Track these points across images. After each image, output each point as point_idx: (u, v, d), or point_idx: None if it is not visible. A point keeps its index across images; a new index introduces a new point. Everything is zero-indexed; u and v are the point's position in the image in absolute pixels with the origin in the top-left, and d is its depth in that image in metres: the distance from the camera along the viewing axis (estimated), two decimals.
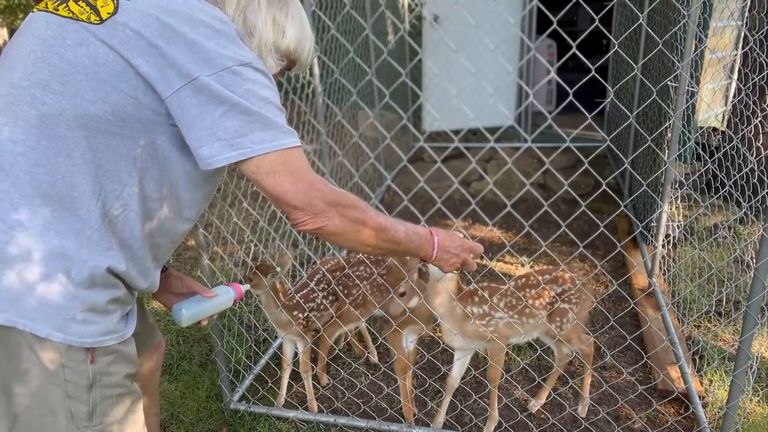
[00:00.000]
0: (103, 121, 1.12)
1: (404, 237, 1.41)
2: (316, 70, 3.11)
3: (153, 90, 1.12)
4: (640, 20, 1.80)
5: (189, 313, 1.52)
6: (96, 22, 1.12)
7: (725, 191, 2.99)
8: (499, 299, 2.17)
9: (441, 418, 2.41)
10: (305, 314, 2.41)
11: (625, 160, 1.85)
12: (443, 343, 2.19)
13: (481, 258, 3.72)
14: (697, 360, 2.77)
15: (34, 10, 1.20)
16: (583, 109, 1.77)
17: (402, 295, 2.03)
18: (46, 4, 1.19)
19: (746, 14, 3.92)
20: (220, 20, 1.16)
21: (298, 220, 1.23)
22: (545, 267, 2.43)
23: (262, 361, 2.86)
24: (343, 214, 1.25)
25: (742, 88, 3.62)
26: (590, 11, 1.81)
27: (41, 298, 1.12)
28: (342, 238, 1.29)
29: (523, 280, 2.24)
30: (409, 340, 2.38)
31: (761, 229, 1.83)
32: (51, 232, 1.12)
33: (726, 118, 4.42)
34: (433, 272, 1.95)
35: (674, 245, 3.29)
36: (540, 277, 2.25)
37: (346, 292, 2.49)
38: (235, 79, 1.13)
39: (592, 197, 3.03)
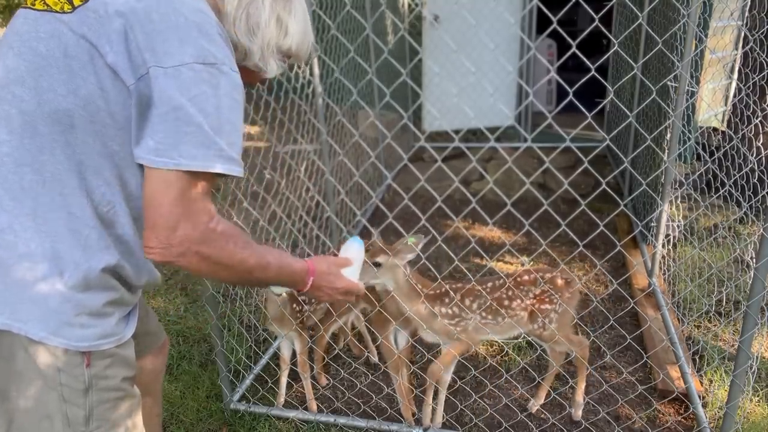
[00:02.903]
0: (76, 116, 1.09)
1: (274, 275, 1.31)
2: (317, 70, 3.11)
3: (122, 82, 1.08)
4: (640, 20, 1.80)
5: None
6: (68, 10, 1.09)
7: (725, 191, 2.99)
8: (472, 301, 2.19)
9: (439, 417, 2.41)
10: (301, 307, 2.41)
11: (625, 159, 1.85)
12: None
13: (481, 258, 3.72)
14: (697, 360, 2.77)
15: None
16: (583, 109, 1.77)
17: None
18: (25, 1, 1.17)
19: (746, 14, 3.92)
20: (197, 11, 1.10)
21: (147, 244, 1.10)
22: (525, 267, 2.44)
23: (262, 361, 2.86)
24: (205, 257, 1.13)
25: (743, 87, 3.62)
26: (590, 11, 1.80)
27: (35, 302, 1.11)
28: (196, 274, 1.19)
29: (500, 281, 2.26)
30: (402, 340, 2.40)
31: (761, 229, 1.83)
32: (42, 234, 1.10)
33: (726, 117, 4.42)
34: (387, 285, 2.07)
35: (674, 245, 3.28)
36: (519, 279, 2.27)
37: None
38: (191, 77, 1.06)
39: (592, 197, 3.03)
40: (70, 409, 1.16)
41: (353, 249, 1.65)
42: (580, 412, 2.46)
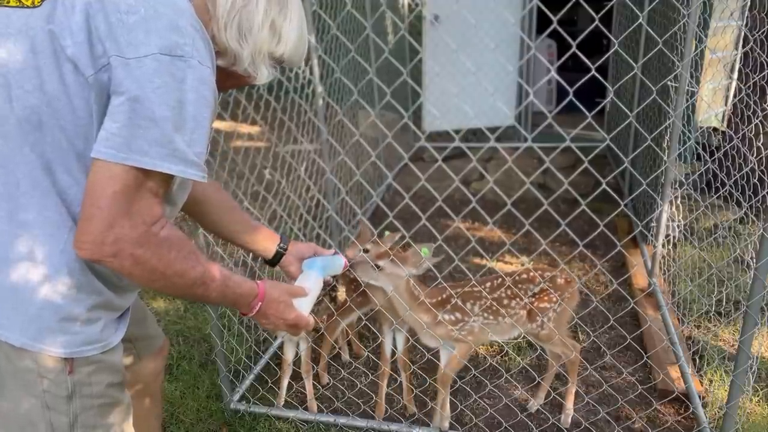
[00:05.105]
0: (43, 113, 1.06)
1: (217, 294, 1.23)
2: (317, 70, 3.10)
3: (81, 75, 1.04)
4: (640, 20, 1.79)
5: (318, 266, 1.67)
6: (37, 4, 1.07)
7: (725, 191, 2.98)
8: (473, 303, 2.19)
9: (439, 416, 2.41)
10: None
11: (625, 159, 1.85)
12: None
13: (481, 258, 3.72)
14: (697, 360, 2.77)
15: None
16: (583, 109, 1.77)
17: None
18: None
19: (746, 14, 3.92)
20: (170, 4, 1.05)
21: (79, 238, 1.03)
22: (525, 267, 2.44)
23: (262, 361, 2.86)
24: (140, 261, 1.06)
25: (743, 87, 3.61)
26: (590, 11, 1.80)
27: (14, 307, 1.09)
28: (129, 279, 1.11)
29: (499, 280, 2.25)
30: (400, 341, 2.40)
31: (761, 229, 1.83)
32: (20, 238, 1.08)
33: (726, 117, 4.42)
34: (385, 288, 2.05)
35: (674, 245, 3.28)
36: (517, 277, 2.27)
37: (348, 278, 2.50)
38: (154, 68, 1.00)
39: (592, 197, 3.03)
40: (54, 416, 1.15)
41: (311, 278, 1.61)
42: (569, 420, 2.44)
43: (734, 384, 2.00)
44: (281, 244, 1.71)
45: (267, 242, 1.71)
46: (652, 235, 3.46)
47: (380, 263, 1.99)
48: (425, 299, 2.13)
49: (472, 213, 4.08)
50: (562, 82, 1.79)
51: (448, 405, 2.38)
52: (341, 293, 2.68)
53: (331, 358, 2.84)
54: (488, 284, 2.24)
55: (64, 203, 1.10)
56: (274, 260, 1.73)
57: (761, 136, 3.76)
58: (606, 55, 2.47)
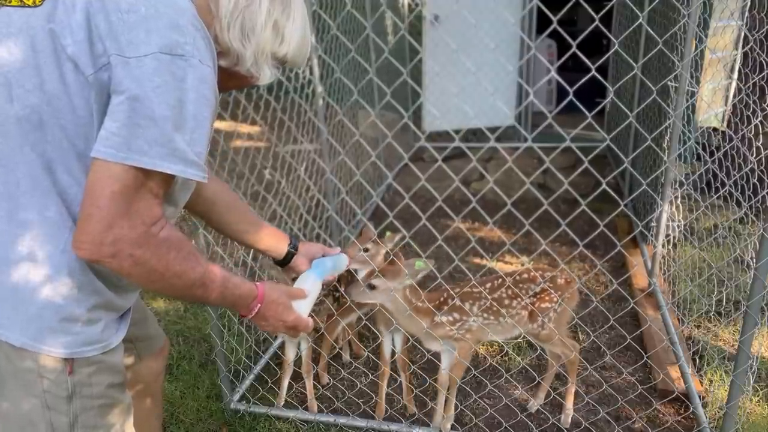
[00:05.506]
0: (43, 113, 1.05)
1: (216, 295, 1.22)
2: (317, 70, 3.10)
3: (81, 74, 1.04)
4: (640, 20, 1.80)
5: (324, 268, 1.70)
6: (39, 3, 1.07)
7: (725, 191, 2.98)
8: (472, 303, 2.19)
9: (439, 416, 2.41)
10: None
11: (625, 159, 1.85)
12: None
13: (481, 258, 3.72)
14: (697, 360, 2.77)
15: None
16: (583, 109, 1.77)
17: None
18: None
19: (746, 14, 3.92)
20: (171, 3, 1.05)
21: (78, 237, 1.03)
22: (525, 267, 2.44)
23: (262, 361, 2.86)
24: (139, 262, 1.05)
25: (743, 87, 3.61)
26: (590, 11, 1.80)
27: (15, 307, 1.09)
28: (128, 279, 1.10)
29: (500, 280, 2.26)
30: (399, 341, 2.40)
31: (761, 229, 1.83)
32: (20, 238, 1.08)
33: (726, 117, 4.42)
34: (384, 302, 2.05)
35: (674, 245, 3.29)
36: (518, 277, 2.27)
37: (348, 279, 2.50)
38: (154, 67, 1.00)
39: (592, 197, 3.03)
40: (54, 416, 1.15)
41: (309, 280, 1.61)
42: (569, 420, 2.45)
43: (734, 384, 2.00)
44: (292, 245, 1.72)
45: (277, 242, 1.71)
46: (652, 235, 3.46)
47: (373, 282, 1.99)
48: (424, 303, 2.13)
49: (472, 213, 4.08)
50: (562, 82, 1.79)
51: (452, 407, 2.39)
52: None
53: (331, 358, 2.83)
54: (488, 284, 2.24)
55: (65, 203, 1.10)
56: (285, 260, 1.72)
57: (761, 136, 3.76)
58: (606, 55, 2.47)
